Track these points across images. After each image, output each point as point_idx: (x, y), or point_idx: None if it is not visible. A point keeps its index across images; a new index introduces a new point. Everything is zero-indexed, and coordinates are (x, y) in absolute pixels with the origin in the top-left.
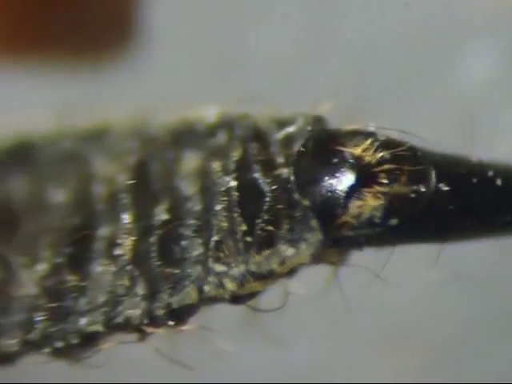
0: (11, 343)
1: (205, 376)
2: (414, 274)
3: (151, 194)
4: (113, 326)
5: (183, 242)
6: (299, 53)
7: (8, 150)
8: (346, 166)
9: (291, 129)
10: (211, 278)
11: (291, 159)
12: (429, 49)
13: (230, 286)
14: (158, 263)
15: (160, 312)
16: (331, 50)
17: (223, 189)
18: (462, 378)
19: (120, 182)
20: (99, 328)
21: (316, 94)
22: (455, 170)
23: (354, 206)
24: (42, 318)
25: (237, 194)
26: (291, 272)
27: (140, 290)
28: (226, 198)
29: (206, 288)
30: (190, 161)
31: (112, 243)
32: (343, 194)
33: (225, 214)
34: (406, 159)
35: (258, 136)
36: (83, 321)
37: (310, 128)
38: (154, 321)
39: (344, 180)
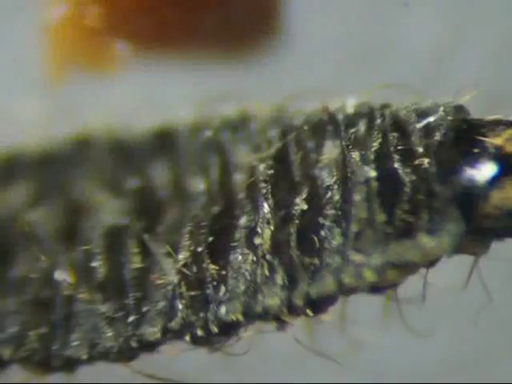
0: (154, 331)
1: (345, 366)
2: None
3: (291, 184)
4: (252, 315)
5: (322, 232)
6: (442, 43)
7: (151, 140)
8: (487, 156)
9: (432, 119)
10: (350, 268)
11: (432, 149)
12: None
13: (369, 276)
14: (297, 253)
15: (299, 302)
16: (473, 40)
17: (362, 179)
18: None
19: (260, 171)
20: (239, 317)
21: (458, 84)
22: None
23: (496, 196)
24: (182, 306)
25: (376, 184)
26: (431, 263)
27: (279, 279)
28: (365, 188)
29: (345, 278)
30: (330, 150)
31: (252, 232)
32: (485, 185)
33: (364, 204)
34: None
35: (399, 126)
36: (223, 309)
37: (451, 118)
38: (293, 310)
39: (485, 170)
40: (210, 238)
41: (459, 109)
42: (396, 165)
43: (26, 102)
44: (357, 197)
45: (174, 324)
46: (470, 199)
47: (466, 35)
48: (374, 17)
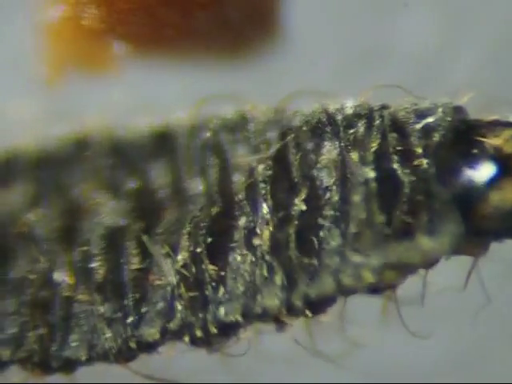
0: (153, 332)
1: (344, 367)
2: None
3: (290, 184)
4: (251, 316)
5: (321, 233)
6: (440, 44)
7: (150, 141)
8: (486, 157)
9: (431, 119)
10: (349, 269)
11: (430, 150)
12: None
13: (368, 277)
14: (296, 253)
15: (298, 302)
16: (472, 41)
17: (361, 179)
18: None
19: (259, 172)
20: (238, 318)
21: (456, 85)
22: None
23: (495, 197)
24: (181, 307)
25: (375, 184)
26: (430, 263)
27: (278, 280)
28: (364, 189)
29: (344, 279)
30: (329, 151)
31: (251, 233)
32: (483, 185)
33: (363, 204)
34: None
35: (397, 126)
36: (222, 310)
37: (449, 119)
38: (292, 311)
39: (484, 171)
40: (209, 239)
41: (458, 109)
42: (395, 165)
43: (24, 102)
44: (356, 197)
45: (173, 325)
46: (468, 200)
47: (465, 36)
48: (372, 17)
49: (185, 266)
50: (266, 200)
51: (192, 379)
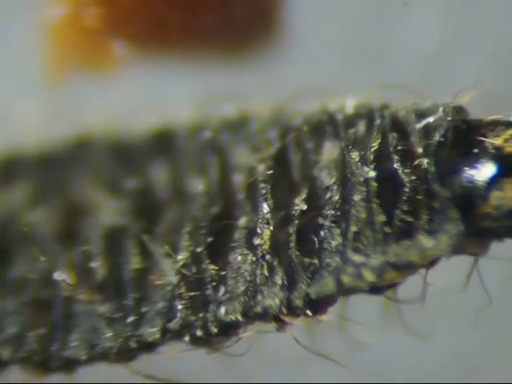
0: (153, 331)
1: (344, 366)
2: None
3: (290, 184)
4: (251, 316)
5: (322, 232)
6: (441, 43)
7: (151, 140)
8: (486, 157)
9: (431, 119)
10: (349, 269)
11: (431, 149)
12: None
13: (369, 276)
14: (297, 253)
15: (298, 302)
16: (473, 40)
17: (362, 179)
18: None
19: (260, 172)
20: (238, 317)
21: (457, 85)
22: None
23: (495, 196)
24: (182, 306)
25: (375, 184)
26: (431, 263)
27: (278, 279)
28: (364, 189)
29: (345, 278)
30: (330, 151)
31: (251, 233)
32: (484, 185)
33: (363, 204)
34: None
35: (398, 126)
36: (222, 310)
37: (450, 118)
38: (293, 311)
39: (485, 171)
40: (210, 239)
41: (459, 109)
42: (395, 165)
43: (26, 102)
44: (356, 197)
45: (174, 324)
46: (469, 199)
47: (466, 36)
48: (373, 17)
49: (185, 265)
50: (266, 199)
51: (192, 379)
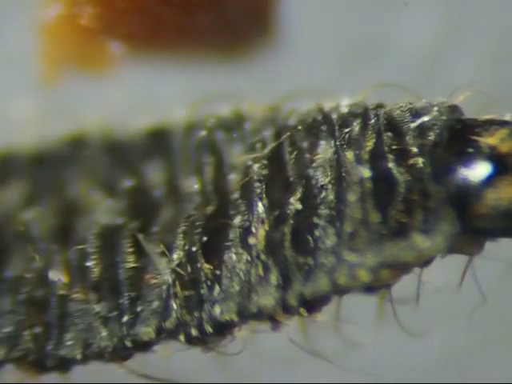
0: (148, 330)
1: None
2: None
3: (285, 183)
4: (246, 315)
5: (316, 232)
6: (436, 43)
7: (146, 139)
8: (481, 156)
9: (426, 118)
10: (344, 268)
11: (426, 149)
12: None
13: (364, 276)
14: (291, 253)
15: (293, 301)
16: (467, 40)
17: (357, 179)
18: None
19: (255, 171)
20: (233, 317)
21: (452, 84)
22: None
23: (490, 196)
24: (177, 305)
25: (370, 183)
26: (425, 262)
27: (273, 279)
28: (359, 188)
29: (339, 278)
30: (324, 150)
31: (246, 232)
32: (479, 185)
33: (358, 203)
34: None
35: (393, 126)
36: (217, 309)
37: (445, 118)
38: (287, 310)
39: (479, 170)
40: (205, 238)
41: (453, 109)
42: (390, 165)
43: (21, 101)
44: (351, 197)
45: (169, 324)
46: (464, 199)
47: (460, 35)
48: (368, 17)
49: (180, 264)
50: (261, 199)
51: (187, 378)
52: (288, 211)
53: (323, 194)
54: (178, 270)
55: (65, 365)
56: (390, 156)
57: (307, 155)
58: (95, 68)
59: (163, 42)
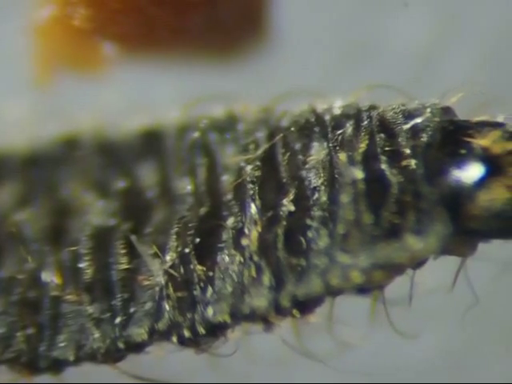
0: (141, 332)
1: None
2: None
3: (278, 185)
4: (239, 317)
5: (309, 233)
6: (429, 45)
7: (139, 140)
8: (474, 158)
9: (419, 120)
10: (337, 270)
11: (418, 150)
12: None
13: (356, 277)
14: (284, 254)
15: (286, 303)
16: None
17: (349, 180)
18: None
19: (248, 173)
20: (226, 318)
21: (445, 86)
22: None
23: (483, 197)
24: (169, 307)
25: (363, 185)
26: (418, 264)
27: (266, 280)
28: (352, 190)
29: (332, 279)
30: (317, 152)
31: (239, 233)
32: (471, 186)
33: (351, 205)
34: None
35: (386, 127)
36: (210, 310)
37: (437, 119)
38: (280, 311)
39: (472, 171)
40: (197, 239)
41: (446, 110)
42: (383, 166)
43: (14, 102)
44: (344, 198)
45: (161, 325)
46: (456, 200)
47: (453, 37)
48: (361, 18)
49: (173, 266)
50: (254, 200)
51: (180, 379)
52: (281, 212)
53: (316, 195)
54: (171, 271)
55: (57, 366)
56: (383, 157)
57: (300, 156)
58: (88, 69)
59: (156, 43)
